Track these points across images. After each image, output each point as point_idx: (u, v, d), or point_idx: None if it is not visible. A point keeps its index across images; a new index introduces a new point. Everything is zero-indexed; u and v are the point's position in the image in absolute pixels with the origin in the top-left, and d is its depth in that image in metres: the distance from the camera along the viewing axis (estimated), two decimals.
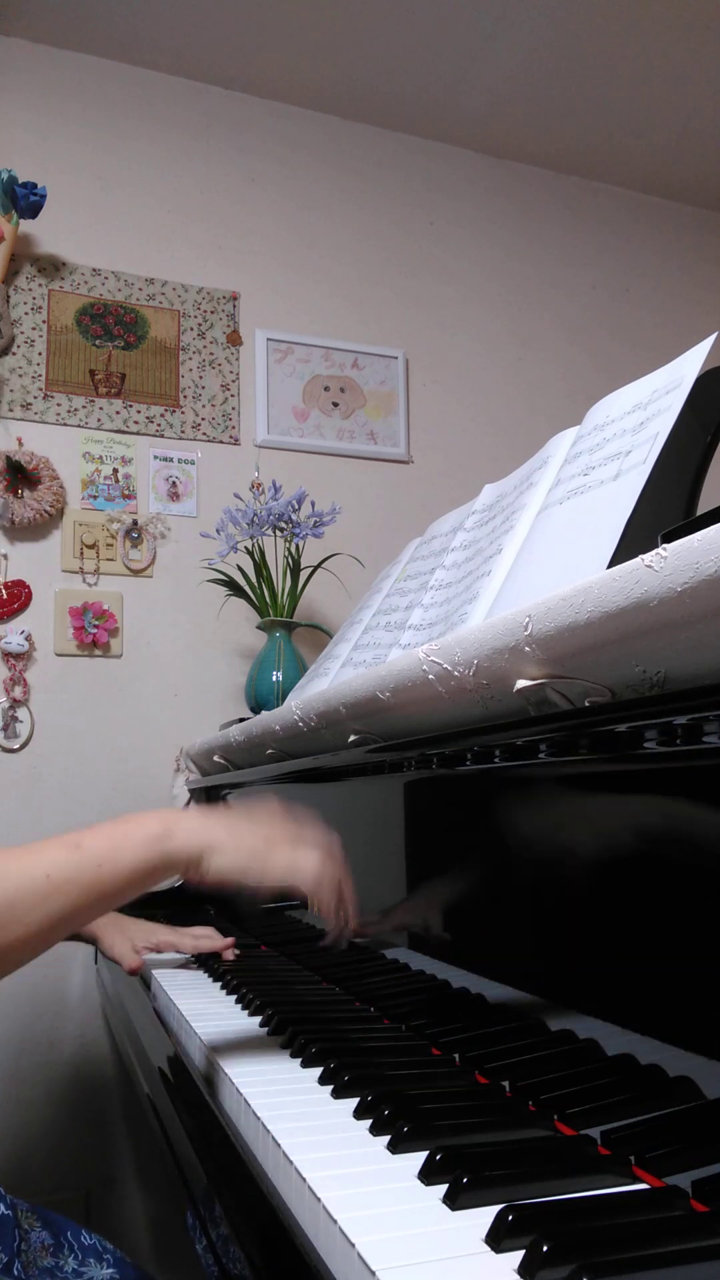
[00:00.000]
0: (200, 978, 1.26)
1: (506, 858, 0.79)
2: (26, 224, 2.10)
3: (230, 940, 1.33)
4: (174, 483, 2.18)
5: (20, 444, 2.05)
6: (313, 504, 2.00)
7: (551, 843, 0.72)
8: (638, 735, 0.57)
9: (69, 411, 2.11)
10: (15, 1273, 0.94)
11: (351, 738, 1.04)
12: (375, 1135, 0.64)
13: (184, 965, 1.34)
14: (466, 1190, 0.53)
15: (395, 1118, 0.64)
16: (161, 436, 2.19)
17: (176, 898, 1.92)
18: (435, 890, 0.92)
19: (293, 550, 1.98)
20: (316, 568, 2.02)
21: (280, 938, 1.40)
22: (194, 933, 1.35)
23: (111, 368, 2.16)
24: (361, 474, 2.36)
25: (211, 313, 2.28)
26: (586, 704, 0.65)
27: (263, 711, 1.54)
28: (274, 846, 0.79)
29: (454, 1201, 0.52)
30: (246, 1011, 1.04)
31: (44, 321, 2.13)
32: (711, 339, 0.81)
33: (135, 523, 2.12)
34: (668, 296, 2.77)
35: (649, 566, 0.53)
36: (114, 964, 1.31)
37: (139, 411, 2.17)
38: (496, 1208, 0.49)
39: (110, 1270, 1.04)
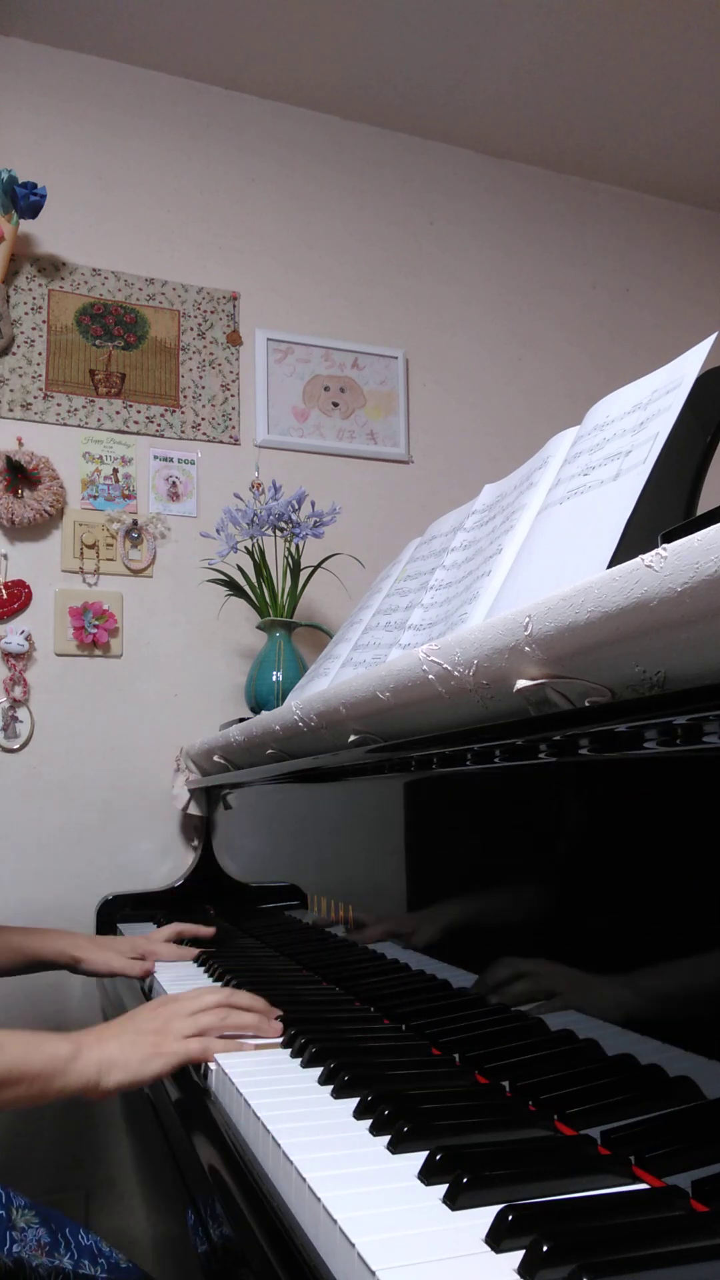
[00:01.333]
0: (199, 978, 1.26)
1: (506, 858, 0.79)
2: (26, 224, 2.10)
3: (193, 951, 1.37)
4: (174, 483, 2.18)
5: (20, 444, 2.05)
6: (313, 504, 2.00)
7: (551, 843, 0.72)
8: (638, 735, 0.57)
9: (69, 411, 2.11)
10: (9, 1267, 0.94)
11: (351, 738, 1.04)
12: (375, 1135, 0.64)
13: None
14: (466, 1190, 0.53)
15: (395, 1118, 0.64)
16: (161, 436, 2.18)
17: (176, 898, 1.92)
18: (435, 890, 0.92)
19: (293, 550, 1.98)
20: (316, 568, 2.02)
21: (280, 938, 1.40)
22: (169, 948, 1.38)
23: (111, 368, 2.16)
24: (361, 474, 2.36)
25: (211, 313, 2.28)
26: (586, 704, 0.65)
27: (263, 711, 1.54)
28: (162, 1040, 0.86)
29: (454, 1201, 0.52)
30: None
31: (44, 321, 2.13)
32: (711, 339, 0.81)
33: (135, 523, 2.12)
34: (668, 296, 2.77)
35: (649, 566, 0.53)
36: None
37: (139, 411, 2.17)
38: (496, 1208, 0.49)
39: (106, 1272, 1.04)
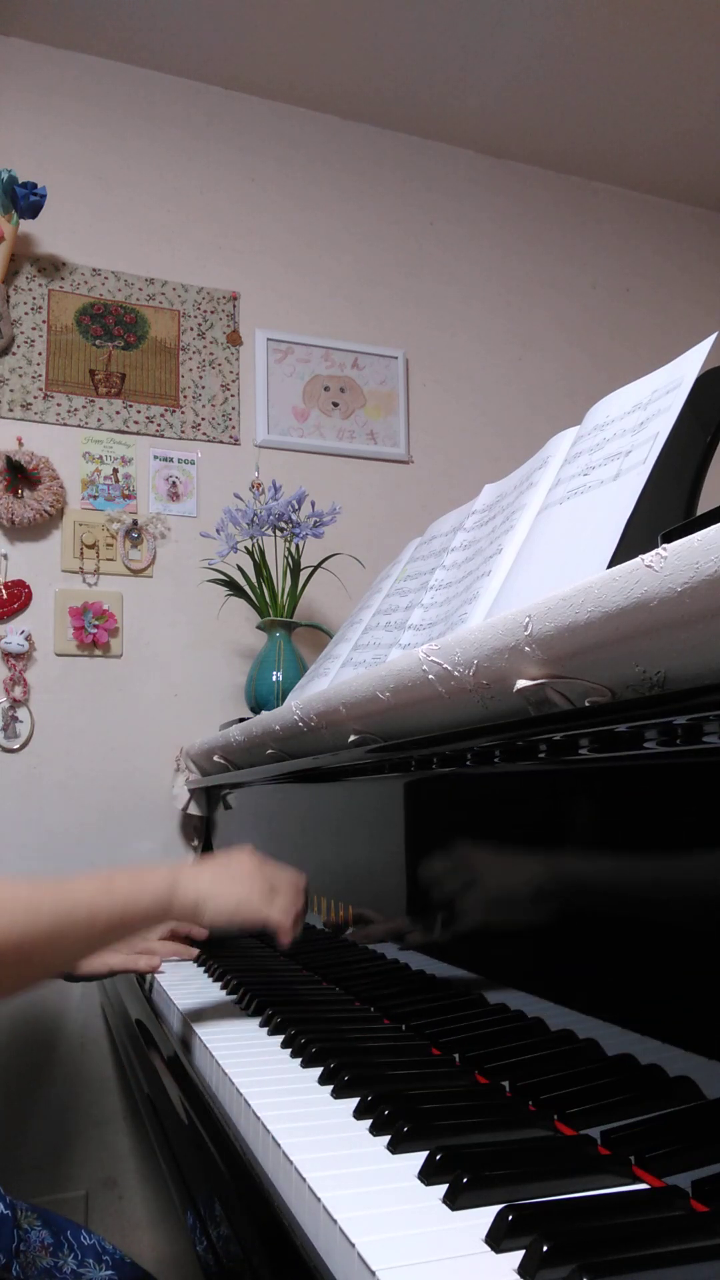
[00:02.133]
0: (199, 978, 1.26)
1: (506, 858, 0.79)
2: (26, 224, 2.10)
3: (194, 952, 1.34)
4: (174, 483, 2.18)
5: (20, 444, 2.05)
6: (313, 504, 2.00)
7: (551, 843, 0.72)
8: (638, 735, 0.57)
9: (69, 411, 2.11)
10: (14, 1273, 0.94)
11: (351, 738, 1.04)
12: (375, 1135, 0.64)
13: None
14: (466, 1190, 0.53)
15: (395, 1118, 0.64)
16: (161, 436, 2.18)
17: None
18: (435, 890, 0.92)
19: (293, 550, 1.98)
20: (316, 568, 2.02)
21: None
22: (166, 944, 1.35)
23: (111, 368, 2.16)
24: (361, 474, 2.36)
25: (211, 313, 2.28)
26: (586, 704, 0.65)
27: (263, 711, 1.54)
28: (254, 895, 0.97)
29: (454, 1201, 0.52)
30: (246, 1011, 1.04)
31: (44, 321, 2.13)
32: (711, 339, 0.81)
33: (135, 523, 2.12)
34: (668, 296, 2.77)
35: (649, 566, 0.53)
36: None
37: (139, 411, 2.17)
38: (496, 1208, 0.49)
39: (109, 1271, 1.04)
